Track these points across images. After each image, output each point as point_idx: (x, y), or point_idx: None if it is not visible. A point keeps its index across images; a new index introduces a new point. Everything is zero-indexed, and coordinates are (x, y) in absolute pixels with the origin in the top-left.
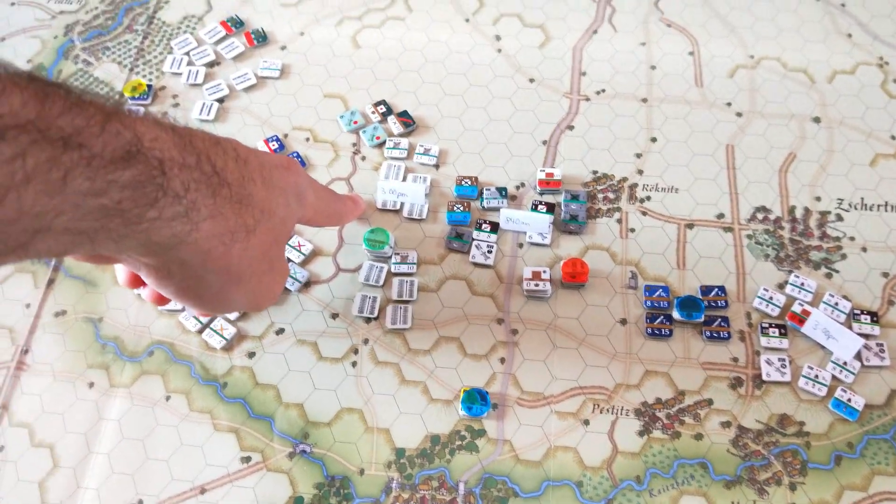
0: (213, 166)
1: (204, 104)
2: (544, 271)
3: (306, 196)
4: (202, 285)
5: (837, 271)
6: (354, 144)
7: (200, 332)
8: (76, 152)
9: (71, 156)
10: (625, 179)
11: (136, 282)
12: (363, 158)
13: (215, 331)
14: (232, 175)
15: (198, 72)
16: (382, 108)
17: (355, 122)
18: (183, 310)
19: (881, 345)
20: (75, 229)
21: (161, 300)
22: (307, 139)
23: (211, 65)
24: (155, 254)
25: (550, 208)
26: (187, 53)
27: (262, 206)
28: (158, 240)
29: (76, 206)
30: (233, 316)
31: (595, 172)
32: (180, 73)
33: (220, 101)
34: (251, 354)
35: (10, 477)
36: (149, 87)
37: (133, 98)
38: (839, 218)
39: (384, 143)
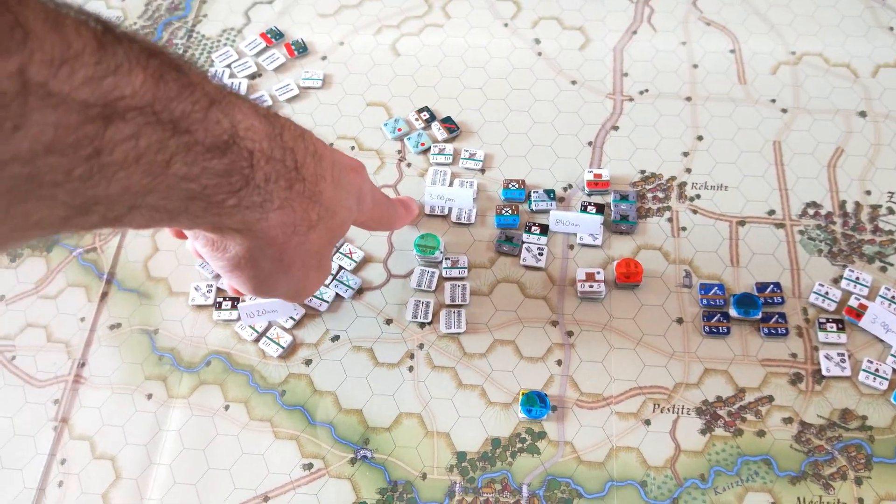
0: (296, 161)
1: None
2: (598, 272)
3: (366, 200)
4: (253, 267)
5: (892, 265)
6: (399, 151)
7: (256, 340)
8: (182, 137)
9: (177, 140)
10: (673, 178)
11: (182, 234)
12: (409, 165)
13: (272, 339)
14: (308, 171)
15: (240, 84)
16: (426, 115)
17: (399, 130)
18: (238, 319)
19: None
20: (162, 207)
21: (181, 234)
22: (352, 148)
23: (253, 76)
24: (220, 230)
25: (600, 209)
26: (229, 66)
27: (328, 205)
28: (230, 223)
29: (169, 187)
30: (287, 324)
31: (643, 172)
32: None
33: None
34: (308, 362)
35: (73, 490)
36: None
37: None
38: (891, 211)
39: (429, 149)
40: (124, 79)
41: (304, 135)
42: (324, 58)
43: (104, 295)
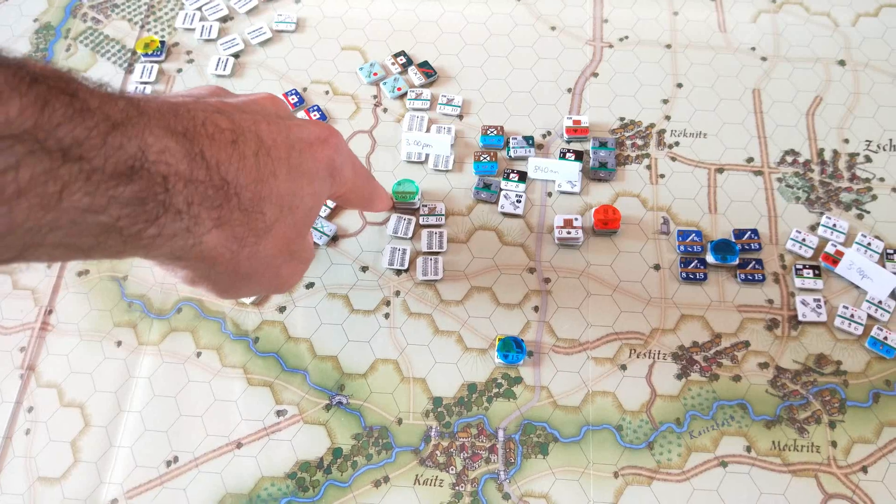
0: (224, 178)
1: (219, 59)
2: (576, 219)
3: (343, 172)
4: (210, 283)
5: (868, 212)
6: (375, 97)
7: None
8: (75, 165)
9: (70, 169)
10: (652, 125)
11: None
12: (385, 110)
13: None
14: (246, 179)
15: (211, 27)
16: (402, 59)
17: (375, 74)
18: None
19: None
20: (70, 245)
21: None
22: (326, 92)
23: (224, 19)
24: (156, 259)
25: (579, 156)
26: (199, 9)
27: (282, 203)
28: (159, 255)
29: (73, 222)
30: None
31: (622, 119)
32: (193, 29)
33: (236, 55)
34: (282, 309)
35: (41, 437)
36: (162, 43)
37: (146, 55)
38: (868, 159)
39: (406, 94)
40: None
41: (237, 140)
42: (297, 1)
43: None
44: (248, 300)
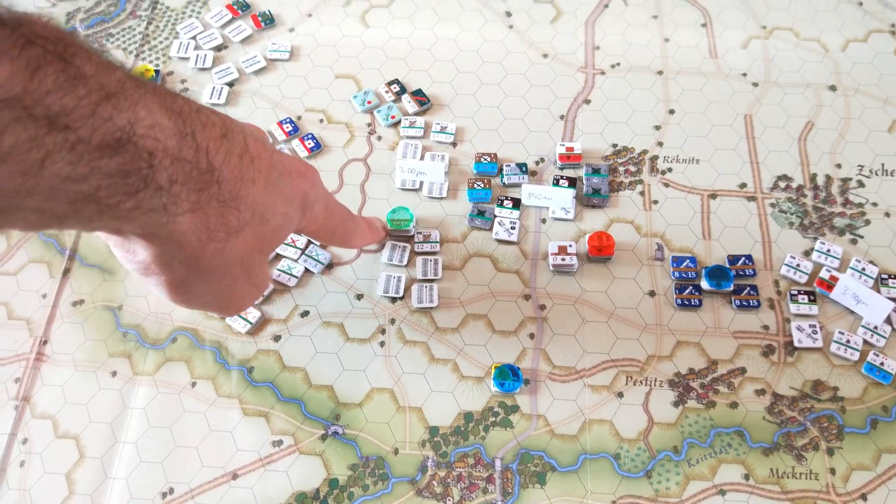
0: (211, 163)
1: (214, 88)
2: (570, 245)
3: (313, 208)
4: (165, 271)
5: (862, 237)
6: (369, 124)
7: (224, 316)
8: (60, 134)
9: (54, 137)
10: (645, 152)
11: None
12: (379, 138)
13: (240, 315)
14: (230, 173)
15: (206, 56)
16: (396, 88)
17: (369, 102)
18: None
19: None
20: (47, 210)
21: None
22: (321, 121)
23: (219, 48)
24: (122, 233)
25: (572, 183)
26: (194, 38)
27: (255, 209)
28: (130, 228)
29: (52, 188)
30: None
31: (615, 146)
32: (188, 58)
33: (230, 84)
34: (277, 338)
35: (36, 469)
36: (156, 72)
37: None
38: (860, 184)
39: (399, 122)
40: None
41: (227, 134)
42: (291, 29)
43: (66, 271)
44: (242, 329)
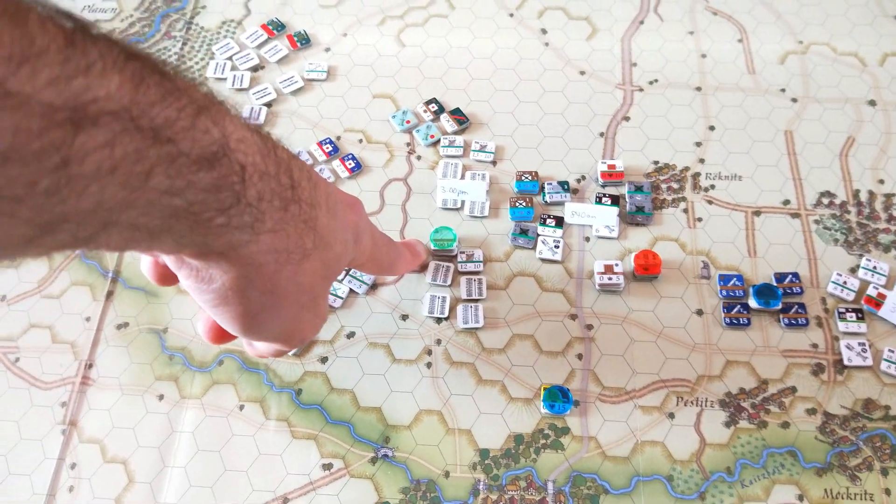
0: (292, 179)
1: (252, 108)
2: (616, 264)
3: (363, 239)
4: (241, 300)
5: None
6: (408, 144)
7: None
8: (164, 147)
9: (158, 150)
10: (687, 169)
11: (165, 278)
12: (419, 158)
13: None
14: (304, 193)
15: (242, 76)
16: (434, 107)
17: (408, 122)
18: None
19: None
20: (142, 225)
21: (219, 336)
22: (360, 141)
23: (255, 69)
24: (205, 256)
25: (615, 200)
26: (230, 58)
27: (323, 234)
28: (216, 245)
29: (150, 203)
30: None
31: (656, 163)
32: (225, 79)
33: (268, 105)
34: (324, 360)
35: (85, 494)
36: None
37: None
38: None
39: (438, 141)
40: (97, 80)
41: (293, 161)
42: (327, 49)
43: (110, 293)
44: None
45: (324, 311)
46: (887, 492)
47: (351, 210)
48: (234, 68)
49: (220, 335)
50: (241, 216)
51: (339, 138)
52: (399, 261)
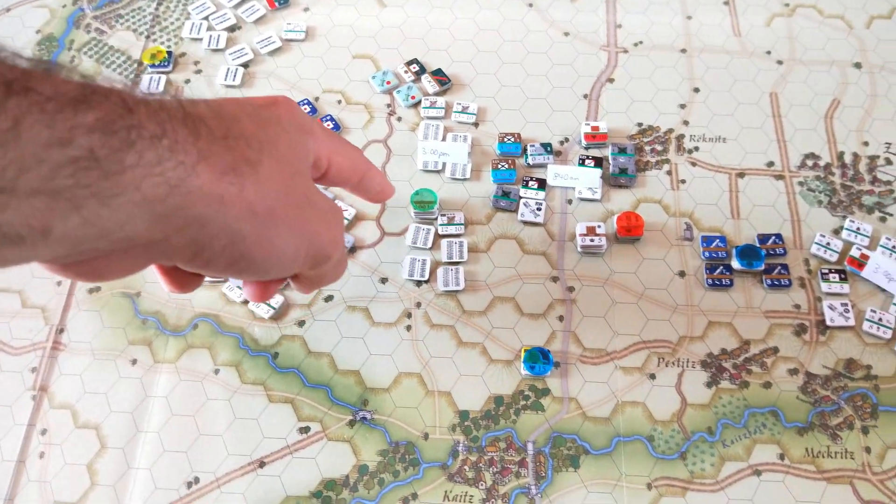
0: (182, 107)
1: (228, 69)
2: (599, 226)
3: (312, 129)
4: (240, 240)
5: (892, 215)
6: (389, 105)
7: (246, 302)
8: (24, 97)
9: (18, 101)
10: (671, 131)
11: (182, 282)
12: (399, 119)
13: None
14: (206, 114)
15: (219, 36)
16: (415, 67)
17: (388, 83)
18: (226, 280)
19: None
20: (48, 190)
21: (262, 292)
22: (339, 102)
23: (232, 29)
24: (169, 220)
25: (598, 162)
26: (206, 18)
27: (258, 138)
28: (156, 195)
29: (40, 159)
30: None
31: (640, 125)
32: (200, 39)
33: (245, 65)
34: (301, 323)
35: (56, 460)
36: (169, 53)
37: (153, 66)
38: (888, 162)
39: (419, 102)
40: None
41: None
42: (306, 9)
43: None
44: (265, 315)
45: (327, 203)
46: (868, 450)
47: (275, 106)
48: (210, 28)
49: (263, 289)
50: (152, 149)
51: (317, 99)
52: (371, 170)
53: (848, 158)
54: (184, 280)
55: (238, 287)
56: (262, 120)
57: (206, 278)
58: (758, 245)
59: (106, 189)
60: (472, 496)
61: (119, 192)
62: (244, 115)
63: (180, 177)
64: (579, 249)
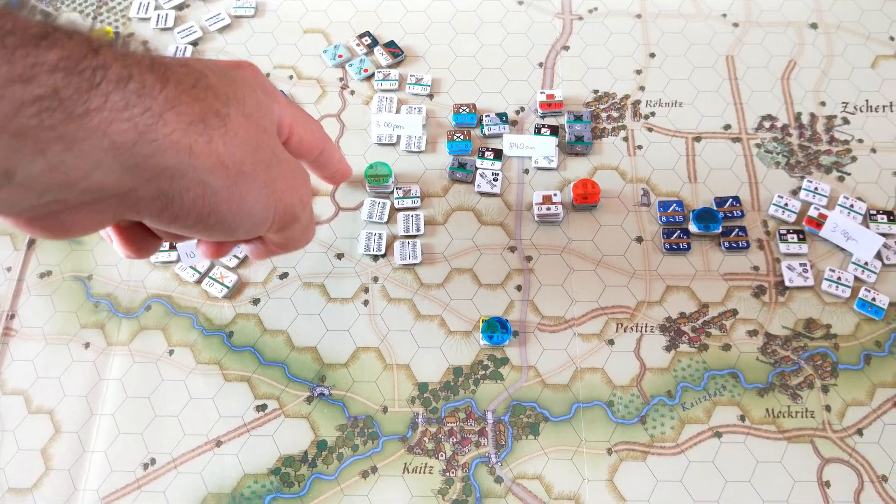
0: (149, 54)
1: (178, 48)
2: (555, 194)
3: (276, 95)
4: (209, 194)
5: (849, 174)
6: (341, 79)
7: (199, 282)
8: None
9: None
10: (627, 97)
11: (139, 245)
12: (352, 93)
13: (215, 279)
14: (173, 64)
15: (167, 15)
16: (368, 40)
17: (340, 56)
18: (178, 261)
19: None
20: (10, 130)
21: (218, 249)
22: (291, 77)
23: (180, 7)
24: (137, 170)
25: (554, 131)
26: None
27: (227, 93)
28: (123, 141)
29: (1, 96)
30: (231, 263)
31: (596, 92)
32: (148, 18)
33: (194, 44)
34: (255, 301)
35: (9, 447)
36: (116, 34)
37: None
38: (845, 121)
39: (373, 75)
40: None
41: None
42: None
43: (31, 242)
44: (219, 294)
45: (293, 163)
46: (828, 408)
47: (239, 68)
48: (157, 7)
49: (218, 245)
50: (119, 92)
51: (268, 75)
52: (330, 145)
53: (805, 119)
54: (141, 243)
55: (191, 267)
56: (228, 78)
57: (162, 247)
58: (715, 208)
59: (70, 132)
60: (431, 467)
61: (84, 136)
62: (210, 72)
63: (147, 123)
64: (536, 219)
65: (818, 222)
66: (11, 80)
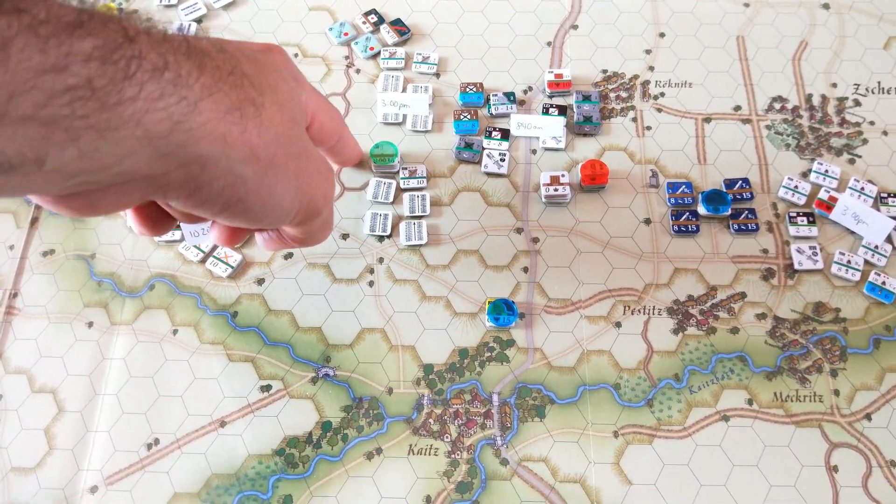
0: (187, 40)
1: (182, 25)
2: (563, 175)
3: (303, 82)
4: (239, 184)
5: (860, 156)
6: (347, 57)
7: (203, 261)
8: (14, 18)
9: (9, 21)
10: (636, 77)
11: (156, 223)
12: (358, 71)
13: (220, 259)
14: (209, 48)
15: None
16: (374, 18)
17: (346, 34)
18: (182, 240)
19: None
20: (42, 118)
21: (233, 237)
22: (295, 55)
23: None
24: (170, 157)
25: (562, 111)
26: None
27: (261, 81)
28: (158, 131)
29: (33, 85)
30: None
31: (605, 71)
32: None
33: (199, 20)
34: (260, 281)
35: (13, 426)
36: (119, 10)
37: None
38: (857, 103)
39: (379, 53)
40: None
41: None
42: None
43: (34, 220)
44: (223, 273)
45: (318, 155)
46: (836, 392)
47: (270, 52)
48: None
49: (234, 233)
50: (154, 81)
51: None
52: (347, 132)
53: (816, 101)
54: (156, 220)
55: (195, 246)
56: (260, 64)
57: (174, 227)
58: (724, 190)
59: (104, 121)
60: (437, 449)
61: (118, 125)
62: (243, 57)
63: (182, 112)
64: (544, 200)
65: (828, 205)
66: (44, 70)
